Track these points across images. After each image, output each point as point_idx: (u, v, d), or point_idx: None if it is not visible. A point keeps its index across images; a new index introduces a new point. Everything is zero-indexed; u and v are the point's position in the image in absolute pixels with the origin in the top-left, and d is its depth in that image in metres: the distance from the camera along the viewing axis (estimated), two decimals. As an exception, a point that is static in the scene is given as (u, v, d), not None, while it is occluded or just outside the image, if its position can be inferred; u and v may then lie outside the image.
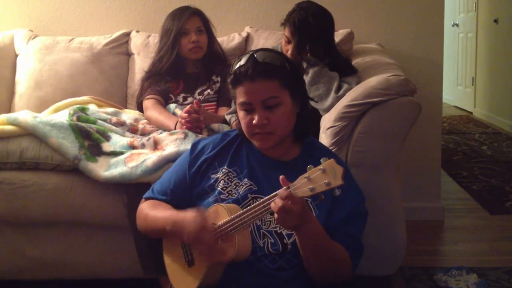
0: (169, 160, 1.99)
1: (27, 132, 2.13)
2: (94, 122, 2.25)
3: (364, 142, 1.95)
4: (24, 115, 2.17)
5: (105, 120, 2.30)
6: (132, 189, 2.02)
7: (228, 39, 2.80)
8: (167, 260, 1.62)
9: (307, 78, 2.13)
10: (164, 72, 2.50)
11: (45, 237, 2.17)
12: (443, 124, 5.29)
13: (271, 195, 1.36)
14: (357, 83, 2.12)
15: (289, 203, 1.32)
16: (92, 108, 2.40)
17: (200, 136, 2.12)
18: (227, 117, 2.36)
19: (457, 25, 6.77)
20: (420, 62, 2.95)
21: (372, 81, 2.02)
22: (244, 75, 1.49)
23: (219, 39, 2.69)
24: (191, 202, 1.62)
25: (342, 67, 2.23)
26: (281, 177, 1.35)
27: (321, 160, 1.31)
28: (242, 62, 1.50)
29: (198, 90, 2.53)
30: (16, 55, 2.89)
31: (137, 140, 2.17)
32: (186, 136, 2.11)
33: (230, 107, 2.40)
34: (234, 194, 1.56)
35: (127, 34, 2.89)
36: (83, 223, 2.15)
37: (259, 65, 1.48)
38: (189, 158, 1.67)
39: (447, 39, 3.53)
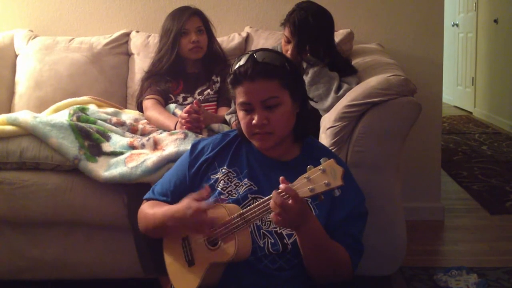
0: (169, 160, 1.99)
1: (27, 132, 2.13)
2: (94, 122, 2.25)
3: (364, 142, 1.95)
4: (24, 115, 2.17)
5: (105, 120, 2.30)
6: (132, 189, 2.02)
7: (228, 39, 2.80)
8: (168, 260, 1.62)
9: (307, 78, 2.13)
10: (164, 72, 2.50)
11: (45, 237, 2.17)
12: (443, 124, 5.29)
13: (271, 195, 1.36)
14: (357, 83, 2.12)
15: (286, 201, 1.32)
16: (92, 108, 2.40)
17: (200, 136, 2.12)
18: (227, 117, 2.36)
19: (457, 25, 6.77)
20: (420, 62, 2.95)
21: (372, 81, 2.02)
22: (244, 75, 1.49)
23: (219, 39, 2.69)
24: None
25: (342, 67, 2.23)
26: (281, 178, 1.35)
27: (321, 160, 1.31)
28: (242, 62, 1.50)
29: (198, 90, 2.54)
30: (16, 55, 2.89)
31: (137, 140, 2.17)
32: (186, 136, 2.11)
33: (230, 107, 2.40)
34: (234, 194, 1.56)
35: (127, 34, 2.89)
36: (83, 223, 2.15)
37: (258, 65, 1.48)
38: (189, 159, 1.67)
39: (447, 39, 3.53)
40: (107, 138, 2.17)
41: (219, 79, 2.56)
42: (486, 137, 5.07)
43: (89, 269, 2.17)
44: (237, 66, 1.51)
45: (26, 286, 2.24)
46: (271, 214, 1.36)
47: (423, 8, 2.95)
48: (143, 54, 2.80)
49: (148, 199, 1.72)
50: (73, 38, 2.87)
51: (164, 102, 2.48)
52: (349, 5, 2.94)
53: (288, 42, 2.21)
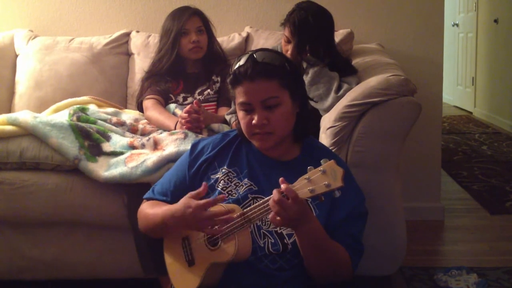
0: (169, 160, 1.99)
1: (27, 132, 2.13)
2: (94, 122, 2.25)
3: (364, 142, 1.95)
4: (24, 115, 2.17)
5: (105, 120, 2.30)
6: (132, 189, 2.02)
7: (228, 39, 2.80)
8: (168, 260, 1.62)
9: (307, 78, 2.13)
10: (164, 72, 2.50)
11: (45, 237, 2.17)
12: (443, 124, 5.29)
13: (272, 195, 1.36)
14: (357, 83, 2.12)
15: (285, 199, 1.32)
16: (92, 108, 2.40)
17: (200, 136, 2.12)
18: (227, 117, 2.36)
19: (457, 25, 6.77)
20: (420, 62, 2.95)
21: (372, 81, 2.02)
22: (244, 75, 1.49)
23: (219, 39, 2.69)
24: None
25: (342, 67, 2.23)
26: (280, 179, 1.35)
27: (321, 161, 1.31)
28: (242, 62, 1.50)
29: (198, 90, 2.54)
30: (16, 55, 2.89)
31: (137, 140, 2.17)
32: (186, 136, 2.11)
33: (230, 107, 2.40)
34: (234, 194, 1.56)
35: (127, 34, 2.89)
36: (83, 223, 2.15)
37: (258, 65, 1.48)
38: (188, 158, 1.67)
39: (447, 39, 3.53)
40: (107, 138, 2.17)
41: (219, 79, 2.56)
42: (486, 137, 5.07)
43: (89, 269, 2.18)
44: (236, 66, 1.51)
45: (26, 286, 2.24)
46: (270, 214, 1.36)
47: (423, 8, 2.95)
48: (143, 54, 2.80)
49: (148, 199, 1.72)
50: (73, 38, 2.87)
51: (164, 102, 2.48)
52: (349, 5, 2.94)
53: (288, 42, 2.21)
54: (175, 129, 2.23)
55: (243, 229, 1.43)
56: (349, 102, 1.97)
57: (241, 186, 1.57)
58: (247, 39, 2.83)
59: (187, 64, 2.57)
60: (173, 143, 2.08)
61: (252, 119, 1.50)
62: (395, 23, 2.97)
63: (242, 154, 1.63)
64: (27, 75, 2.80)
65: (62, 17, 3.05)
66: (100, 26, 3.03)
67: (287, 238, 1.51)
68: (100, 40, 2.85)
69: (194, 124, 2.20)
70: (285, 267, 1.52)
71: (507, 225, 2.98)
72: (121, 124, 2.34)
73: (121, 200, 2.07)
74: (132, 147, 2.14)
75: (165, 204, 1.63)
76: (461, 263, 2.42)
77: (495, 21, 5.57)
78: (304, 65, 2.17)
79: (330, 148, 1.94)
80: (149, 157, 2.02)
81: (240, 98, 1.52)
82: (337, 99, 2.08)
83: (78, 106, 2.37)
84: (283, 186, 1.33)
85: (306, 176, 1.32)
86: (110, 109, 2.46)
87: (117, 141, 2.16)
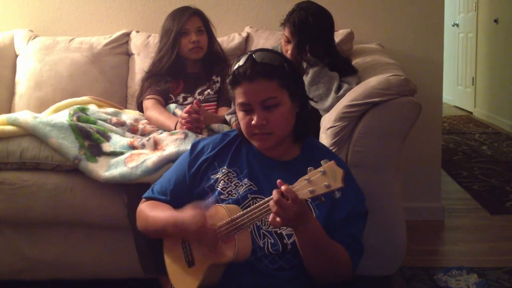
0: (169, 160, 1.99)
1: (27, 133, 2.13)
2: (94, 122, 2.25)
3: (364, 142, 1.95)
4: (24, 115, 2.17)
5: (105, 120, 2.30)
6: (132, 189, 2.02)
7: (228, 39, 2.80)
8: (168, 260, 1.62)
9: (307, 78, 2.13)
10: (164, 72, 2.50)
11: (45, 237, 2.17)
12: (443, 124, 5.29)
13: (272, 196, 1.36)
14: (357, 83, 2.12)
15: (285, 200, 1.32)
16: (92, 108, 2.40)
17: (200, 136, 2.12)
18: (227, 117, 2.36)
19: (457, 25, 6.77)
20: (420, 62, 2.95)
21: (372, 81, 2.02)
22: (243, 75, 1.49)
23: (219, 39, 2.69)
24: (191, 203, 1.62)
25: (342, 67, 2.23)
26: (278, 181, 1.35)
27: (321, 162, 1.31)
28: (241, 62, 1.50)
29: (198, 90, 2.54)
30: (16, 56, 2.89)
31: (137, 140, 2.17)
32: (186, 136, 2.11)
33: (230, 107, 2.40)
34: (234, 195, 1.56)
35: (127, 34, 2.89)
36: (83, 223, 2.15)
37: (257, 65, 1.48)
38: (188, 158, 1.67)
39: (447, 39, 3.53)
40: (107, 138, 2.17)
41: (219, 79, 2.56)
42: (486, 137, 5.07)
43: (89, 269, 2.17)
44: (236, 66, 1.51)
45: (26, 286, 2.24)
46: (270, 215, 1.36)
47: (423, 8, 2.95)
48: (143, 54, 2.80)
49: (147, 198, 1.72)
50: (73, 38, 2.87)
51: (164, 102, 2.48)
52: (349, 5, 2.94)
53: (288, 42, 2.21)
54: (175, 129, 2.23)
55: (243, 229, 1.43)
56: (349, 102, 1.97)
57: (241, 186, 1.57)
58: (247, 39, 2.83)
59: (187, 64, 2.57)
60: (173, 143, 2.08)
61: (252, 120, 1.50)
62: (395, 23, 2.97)
63: (242, 154, 1.63)
64: (27, 75, 2.80)
65: (62, 17, 3.05)
66: (100, 26, 3.03)
67: (286, 239, 1.51)
68: (100, 40, 2.85)
69: (194, 124, 2.20)
70: (285, 267, 1.52)
71: (507, 225, 2.98)
72: (121, 124, 2.34)
73: (121, 200, 2.07)
74: (132, 147, 2.14)
75: (165, 206, 1.63)
76: (461, 263, 2.42)
77: (495, 21, 5.57)
78: (304, 65, 2.17)
79: (330, 148, 1.95)
80: (149, 157, 2.02)
81: (239, 99, 1.52)
82: (337, 99, 2.08)
83: (78, 106, 2.37)
84: (283, 187, 1.33)
85: (306, 177, 1.32)
86: (110, 109, 2.46)
87: (117, 141, 2.16)
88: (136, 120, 2.41)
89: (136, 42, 2.85)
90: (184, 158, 1.70)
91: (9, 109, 2.81)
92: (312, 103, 1.94)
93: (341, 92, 2.10)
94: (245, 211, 1.42)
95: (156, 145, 2.13)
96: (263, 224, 1.53)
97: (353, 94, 2.01)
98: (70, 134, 2.11)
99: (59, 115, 2.31)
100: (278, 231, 1.52)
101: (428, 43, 2.96)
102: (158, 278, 2.10)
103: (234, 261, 1.44)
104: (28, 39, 2.88)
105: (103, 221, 2.12)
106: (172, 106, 2.43)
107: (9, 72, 2.86)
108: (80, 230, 2.17)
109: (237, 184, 1.58)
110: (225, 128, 2.29)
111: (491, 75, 5.79)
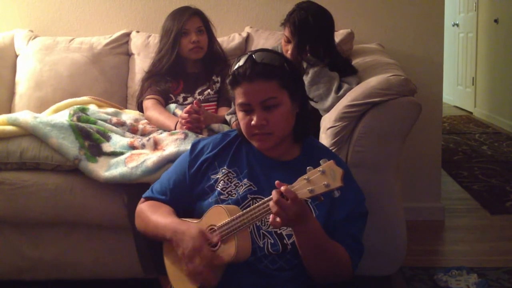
0: (169, 160, 1.99)
1: (28, 133, 2.13)
2: (94, 123, 2.25)
3: (364, 142, 1.95)
4: (24, 115, 2.17)
5: (105, 121, 2.31)
6: (133, 189, 2.02)
7: (228, 39, 2.80)
8: (167, 261, 1.62)
9: (307, 78, 2.13)
10: (164, 72, 2.50)
11: (45, 237, 2.17)
12: (443, 124, 5.29)
13: (271, 196, 1.36)
14: (357, 83, 2.12)
15: (285, 200, 1.32)
16: (92, 108, 2.40)
17: (200, 136, 2.12)
18: (227, 117, 2.36)
19: (457, 25, 6.77)
20: (420, 62, 2.95)
21: (372, 81, 2.02)
22: (243, 76, 1.49)
23: (219, 39, 2.69)
24: (190, 202, 1.63)
25: (342, 67, 2.23)
26: (276, 182, 1.35)
27: (320, 161, 1.31)
28: (241, 63, 1.50)
29: (198, 90, 2.54)
30: (16, 56, 2.89)
31: (137, 140, 2.17)
32: (186, 136, 2.11)
33: (230, 107, 2.40)
34: (233, 195, 1.56)
35: (127, 34, 2.89)
36: (83, 223, 2.15)
37: (257, 65, 1.48)
38: (188, 158, 1.67)
39: (447, 39, 3.53)
40: (107, 138, 2.17)
41: (219, 79, 2.56)
42: (486, 137, 5.07)
43: (89, 269, 2.17)
44: (236, 67, 1.51)
45: (26, 286, 2.24)
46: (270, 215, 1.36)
47: (423, 8, 2.95)
48: (143, 54, 2.80)
49: (147, 198, 1.72)
50: (73, 38, 2.87)
51: (164, 102, 2.48)
52: (349, 5, 2.94)
53: (288, 42, 2.21)
54: (175, 129, 2.23)
55: (243, 230, 1.43)
56: (349, 102, 1.97)
57: (241, 187, 1.57)
58: (247, 39, 2.83)
59: (187, 64, 2.57)
60: (173, 143, 2.08)
61: (252, 120, 1.50)
62: (395, 23, 2.97)
63: (242, 154, 1.63)
64: (27, 75, 2.80)
65: (62, 17, 3.05)
66: (100, 26, 3.03)
67: (286, 239, 1.51)
68: (100, 40, 2.85)
69: (194, 124, 2.20)
70: (285, 267, 1.52)
71: (507, 225, 2.98)
72: (121, 124, 2.34)
73: (121, 200, 2.07)
74: (132, 147, 2.14)
75: (167, 209, 1.63)
76: (461, 263, 2.42)
77: (495, 21, 5.57)
78: (304, 65, 2.17)
79: (330, 148, 1.94)
80: (149, 157, 2.02)
81: (239, 99, 1.52)
82: (337, 99, 2.08)
83: (78, 106, 2.37)
84: (282, 187, 1.33)
85: (305, 176, 1.32)
86: (110, 109, 2.46)
87: (117, 141, 2.16)
88: (136, 120, 2.41)
89: (136, 42, 2.85)
90: (184, 158, 1.70)
91: (9, 109, 2.81)
92: (312, 103, 1.94)
93: (341, 92, 2.10)
94: (244, 211, 1.42)
95: (156, 145, 2.13)
96: (263, 224, 1.53)
97: (353, 94, 2.01)
98: (70, 134, 2.11)
99: (59, 115, 2.31)
100: (278, 231, 1.52)
101: (428, 43, 2.96)
102: (158, 278, 2.10)
103: (234, 261, 1.44)
104: (28, 39, 2.88)
105: (103, 221, 2.12)
106: (172, 106, 2.43)
107: (9, 72, 2.86)
108: (80, 230, 2.17)
109: (237, 184, 1.58)
110: (225, 128, 2.29)
111: (491, 75, 5.79)
